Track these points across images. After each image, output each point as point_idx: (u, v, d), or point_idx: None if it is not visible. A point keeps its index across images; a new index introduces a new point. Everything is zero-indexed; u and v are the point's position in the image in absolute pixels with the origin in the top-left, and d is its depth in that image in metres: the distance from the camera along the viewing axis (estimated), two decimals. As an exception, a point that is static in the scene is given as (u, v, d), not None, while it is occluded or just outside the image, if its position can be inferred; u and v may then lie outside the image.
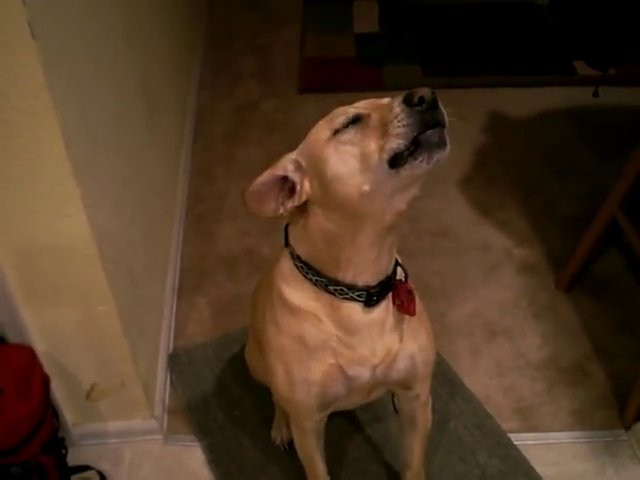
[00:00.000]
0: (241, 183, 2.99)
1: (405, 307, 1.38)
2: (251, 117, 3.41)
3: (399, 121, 1.13)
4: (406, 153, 1.12)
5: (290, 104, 3.48)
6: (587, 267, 2.55)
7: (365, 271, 1.31)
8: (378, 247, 1.28)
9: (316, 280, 1.33)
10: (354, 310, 1.35)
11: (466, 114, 3.32)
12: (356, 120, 1.20)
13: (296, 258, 1.34)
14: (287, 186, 1.30)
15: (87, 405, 2.09)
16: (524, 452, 2.09)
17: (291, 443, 2.05)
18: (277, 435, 2.10)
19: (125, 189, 2.07)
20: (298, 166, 1.29)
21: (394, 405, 2.09)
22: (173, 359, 2.37)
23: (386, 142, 1.13)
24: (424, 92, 1.13)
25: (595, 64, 2.73)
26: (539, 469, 2.06)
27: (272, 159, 3.19)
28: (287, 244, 1.38)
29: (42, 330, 1.88)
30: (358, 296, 1.33)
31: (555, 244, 2.72)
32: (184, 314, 2.54)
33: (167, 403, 2.28)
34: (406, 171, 1.13)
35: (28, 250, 1.70)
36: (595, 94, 2.75)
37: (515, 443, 2.12)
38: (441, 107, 1.15)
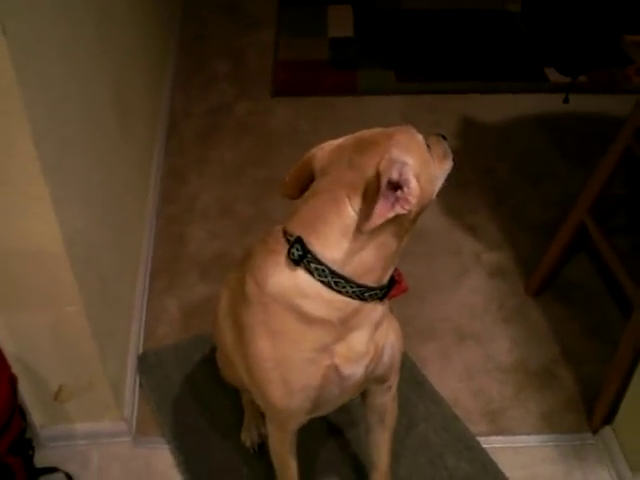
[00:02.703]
0: (213, 185, 3.02)
1: (402, 285, 1.48)
2: (224, 119, 3.41)
3: (448, 149, 1.51)
4: None
5: (264, 107, 3.48)
6: (556, 272, 2.57)
7: (393, 268, 1.43)
8: None
9: (353, 291, 1.35)
10: (373, 308, 1.41)
11: (438, 119, 3.34)
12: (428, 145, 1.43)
13: (329, 274, 1.33)
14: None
15: (55, 406, 2.08)
16: (492, 455, 2.11)
17: (261, 445, 2.05)
18: (247, 437, 2.10)
19: (96, 189, 2.06)
20: (405, 167, 1.31)
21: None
22: (142, 361, 2.35)
23: (446, 164, 1.48)
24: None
25: (565, 71, 2.76)
26: (507, 472, 2.07)
27: (245, 161, 3.22)
28: (301, 261, 1.34)
29: (9, 331, 1.86)
30: (380, 290, 1.40)
31: (525, 249, 2.74)
32: (154, 316, 2.53)
33: (136, 405, 2.27)
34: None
35: (-6, 249, 1.69)
36: (565, 100, 2.78)
37: (483, 446, 2.13)
38: None
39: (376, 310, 1.42)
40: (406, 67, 3.72)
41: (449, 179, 1.49)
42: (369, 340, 1.44)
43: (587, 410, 2.24)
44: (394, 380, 1.65)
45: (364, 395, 1.69)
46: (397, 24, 4.04)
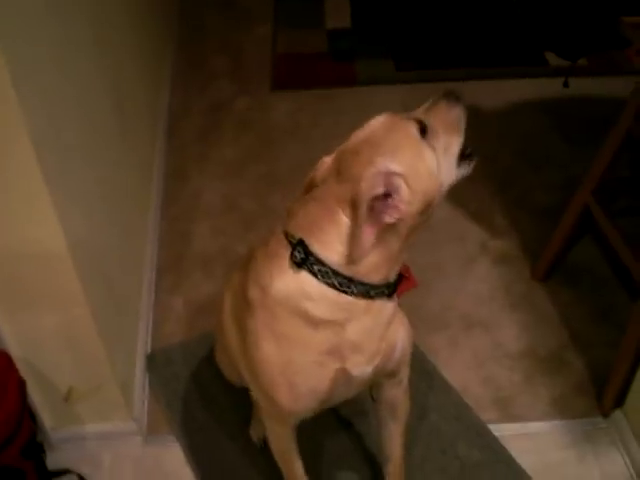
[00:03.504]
0: (215, 182, 3.01)
1: (410, 280, 1.44)
2: (224, 116, 3.40)
3: (462, 122, 1.42)
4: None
5: (263, 101, 3.47)
6: (562, 256, 2.56)
7: (400, 265, 1.39)
8: None
9: (358, 290, 1.33)
10: (385, 304, 1.39)
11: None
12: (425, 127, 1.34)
13: (332, 276, 1.31)
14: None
15: (65, 408, 2.08)
16: (504, 442, 2.10)
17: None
18: (255, 433, 2.09)
19: (98, 192, 2.06)
20: (391, 177, 1.26)
21: (372, 395, 2.10)
22: (151, 360, 2.36)
23: (454, 140, 1.39)
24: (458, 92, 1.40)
25: (564, 54, 2.75)
26: (519, 459, 2.06)
27: (247, 157, 3.20)
28: (304, 263, 1.32)
29: (17, 335, 1.86)
30: (387, 288, 1.37)
31: (530, 235, 2.73)
32: (161, 315, 2.53)
33: (146, 404, 2.27)
34: (471, 162, 1.41)
35: (0, 256, 1.69)
36: (565, 84, 2.77)
37: (495, 434, 2.13)
38: None
39: (385, 307, 1.40)
40: (405, 56, 3.71)
41: (475, 152, 1.41)
42: (381, 339, 1.42)
43: (597, 394, 2.23)
44: (405, 374, 1.62)
45: (376, 389, 1.69)
46: (394, 13, 4.02)
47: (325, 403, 1.50)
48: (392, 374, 1.58)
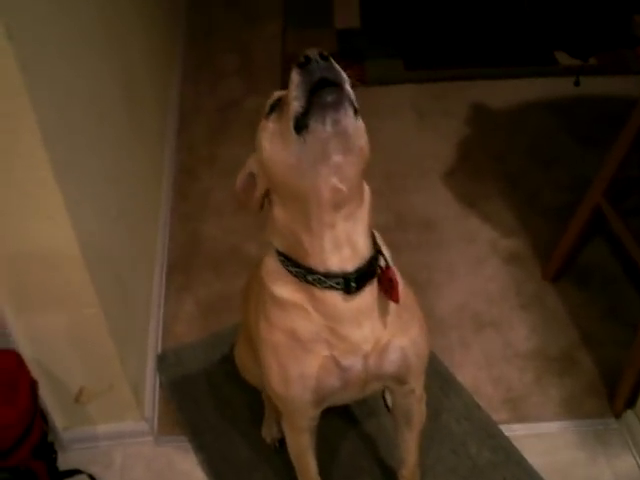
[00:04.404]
0: (225, 181, 3.01)
1: (388, 295, 1.38)
2: (234, 115, 3.40)
3: (293, 84, 1.16)
4: (304, 116, 1.15)
5: (273, 101, 3.46)
6: (573, 257, 2.55)
7: (331, 256, 1.30)
8: (333, 230, 1.28)
9: (296, 271, 1.34)
10: (335, 299, 1.33)
11: (449, 107, 3.32)
12: (278, 102, 1.26)
13: (276, 252, 1.37)
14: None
15: (77, 408, 2.08)
16: (515, 443, 2.10)
17: (282, 441, 2.04)
18: (267, 434, 2.10)
19: (108, 189, 2.06)
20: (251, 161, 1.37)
21: (385, 402, 2.10)
22: (162, 360, 2.36)
23: (290, 108, 1.16)
24: (309, 51, 1.16)
25: (576, 53, 2.74)
26: (530, 459, 2.06)
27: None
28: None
29: (28, 335, 1.86)
30: (336, 284, 1.32)
31: (541, 234, 2.72)
32: (172, 314, 2.53)
33: (157, 404, 2.27)
34: (309, 135, 1.15)
35: (9, 254, 1.69)
36: (576, 83, 2.76)
37: (506, 434, 2.12)
38: (335, 66, 1.18)
39: (354, 301, 1.35)
40: (414, 55, 3.70)
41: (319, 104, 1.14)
42: (363, 331, 1.38)
43: (609, 394, 2.22)
44: (415, 383, 1.59)
45: (391, 397, 1.71)
46: (404, 12, 4.01)
47: (321, 395, 1.47)
48: (399, 381, 1.55)
